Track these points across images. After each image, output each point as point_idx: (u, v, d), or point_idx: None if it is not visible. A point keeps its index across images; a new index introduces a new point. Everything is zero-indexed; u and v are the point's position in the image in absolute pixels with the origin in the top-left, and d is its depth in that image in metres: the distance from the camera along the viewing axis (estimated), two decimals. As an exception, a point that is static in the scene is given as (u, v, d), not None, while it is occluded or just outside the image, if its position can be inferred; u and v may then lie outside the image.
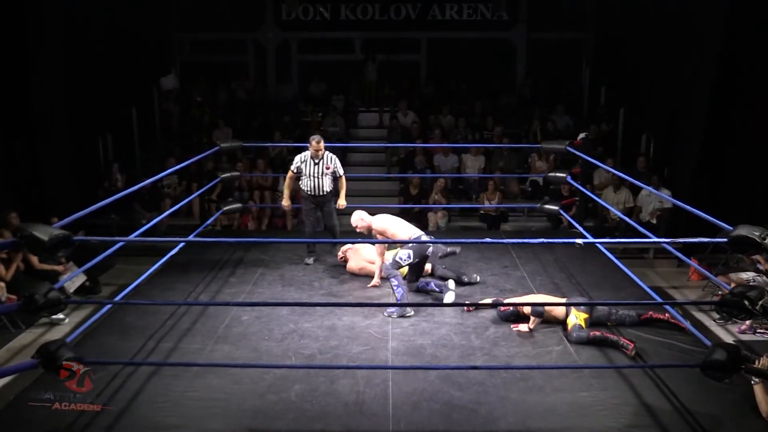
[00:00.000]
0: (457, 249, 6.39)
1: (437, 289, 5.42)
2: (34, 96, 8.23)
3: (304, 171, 6.21)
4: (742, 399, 3.81)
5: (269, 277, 6.01)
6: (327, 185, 6.24)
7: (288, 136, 10.28)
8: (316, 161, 6.19)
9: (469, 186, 9.88)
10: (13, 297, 6.26)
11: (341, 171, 6.31)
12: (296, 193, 6.73)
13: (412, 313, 5.09)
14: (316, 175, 6.19)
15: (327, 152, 6.26)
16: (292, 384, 4.02)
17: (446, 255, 6.25)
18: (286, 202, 6.42)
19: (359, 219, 5.58)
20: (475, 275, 5.85)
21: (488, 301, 5.18)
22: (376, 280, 5.71)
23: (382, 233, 5.44)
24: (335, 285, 5.82)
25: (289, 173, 6.33)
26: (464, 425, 3.66)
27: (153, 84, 10.90)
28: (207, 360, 4.39)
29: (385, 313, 5.08)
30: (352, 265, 6.05)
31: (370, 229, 5.53)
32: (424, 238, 5.33)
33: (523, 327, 4.80)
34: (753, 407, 3.71)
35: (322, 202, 6.31)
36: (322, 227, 6.64)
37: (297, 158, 6.30)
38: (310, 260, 6.32)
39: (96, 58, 9.19)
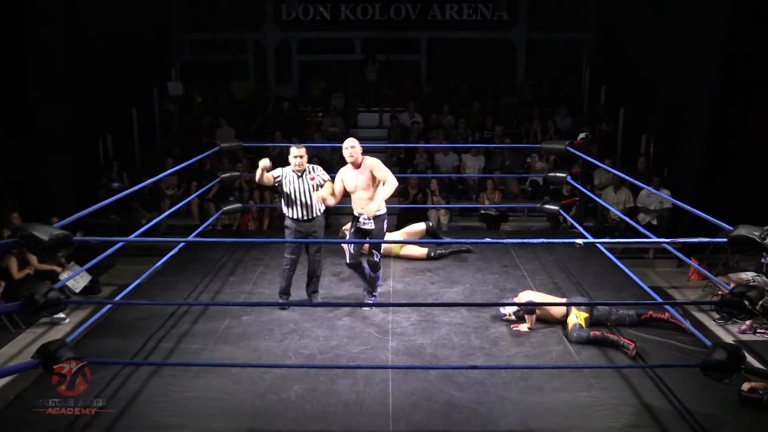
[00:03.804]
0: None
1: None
2: (35, 96, 8.24)
3: (284, 186, 5.13)
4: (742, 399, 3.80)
5: (269, 277, 6.00)
6: (316, 207, 5.15)
7: (288, 135, 10.27)
8: (299, 174, 5.14)
9: (469, 186, 9.88)
10: None
11: (326, 177, 5.18)
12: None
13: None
14: (300, 191, 5.10)
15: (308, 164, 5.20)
16: (292, 384, 4.02)
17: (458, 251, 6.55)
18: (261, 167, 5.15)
19: (357, 145, 5.00)
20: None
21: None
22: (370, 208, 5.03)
23: (372, 168, 4.97)
24: (335, 285, 5.82)
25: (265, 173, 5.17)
26: (464, 425, 3.66)
27: (153, 84, 10.89)
28: (207, 360, 4.40)
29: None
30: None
31: (358, 161, 4.98)
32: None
33: (523, 327, 4.82)
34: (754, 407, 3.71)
35: (311, 229, 5.20)
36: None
37: (277, 170, 5.21)
38: (286, 305, 5.19)
39: (96, 58, 9.20)
